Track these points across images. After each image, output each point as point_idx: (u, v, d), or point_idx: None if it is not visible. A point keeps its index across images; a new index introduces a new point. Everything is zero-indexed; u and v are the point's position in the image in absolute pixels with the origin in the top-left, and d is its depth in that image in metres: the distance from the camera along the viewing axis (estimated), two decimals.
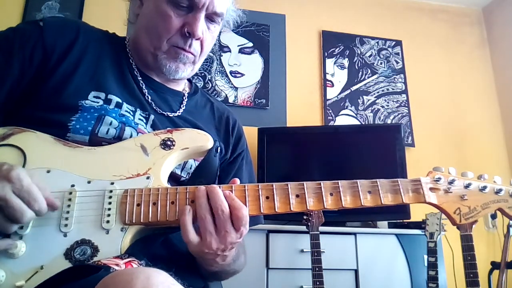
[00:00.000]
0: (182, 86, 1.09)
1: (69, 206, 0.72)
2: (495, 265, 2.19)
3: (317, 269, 1.85)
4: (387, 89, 3.07)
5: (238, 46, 2.93)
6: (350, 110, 2.96)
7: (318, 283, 1.82)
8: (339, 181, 0.78)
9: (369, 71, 3.09)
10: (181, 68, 0.97)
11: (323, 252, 1.90)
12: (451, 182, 0.80)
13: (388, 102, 3.04)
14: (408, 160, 2.39)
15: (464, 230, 1.83)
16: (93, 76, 0.90)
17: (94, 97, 0.87)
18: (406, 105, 3.05)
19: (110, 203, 0.73)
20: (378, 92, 3.05)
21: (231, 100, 2.79)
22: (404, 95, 3.07)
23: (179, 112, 1.00)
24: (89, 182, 0.75)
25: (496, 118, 3.21)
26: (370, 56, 3.13)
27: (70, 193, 0.73)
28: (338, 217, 2.22)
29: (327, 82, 3.00)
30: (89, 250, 0.69)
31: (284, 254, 2.03)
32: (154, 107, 0.96)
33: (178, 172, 0.91)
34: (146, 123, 0.92)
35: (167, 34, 0.93)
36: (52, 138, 0.79)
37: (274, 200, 0.76)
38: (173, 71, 0.97)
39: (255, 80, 2.88)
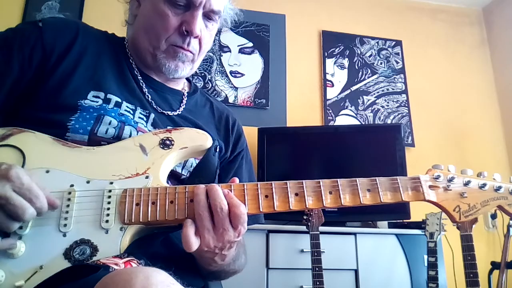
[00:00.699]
0: (181, 86, 1.09)
1: (68, 206, 0.72)
2: (495, 265, 2.19)
3: (317, 269, 1.85)
4: (387, 89, 3.07)
5: (238, 46, 2.93)
6: (350, 110, 2.96)
7: (318, 283, 1.82)
8: (338, 179, 0.78)
9: (369, 71, 3.09)
10: (180, 67, 0.97)
11: (323, 252, 1.90)
12: (450, 180, 0.80)
13: (388, 102, 3.04)
14: (408, 160, 2.39)
15: (464, 230, 1.83)
16: (92, 76, 0.90)
17: (93, 96, 0.87)
18: (406, 105, 3.05)
19: (109, 202, 0.73)
20: (378, 92, 3.05)
21: (231, 100, 2.79)
22: (404, 95, 3.07)
23: (179, 111, 1.01)
24: (88, 182, 0.75)
25: (496, 118, 3.21)
26: (370, 56, 3.13)
27: (69, 193, 0.73)
28: (338, 217, 2.22)
29: (327, 82, 3.00)
30: (89, 250, 0.69)
31: (284, 254, 2.03)
32: (154, 106, 0.97)
33: (178, 170, 0.92)
34: (146, 122, 0.92)
35: (165, 33, 0.94)
36: (51, 138, 0.79)
37: (273, 199, 0.76)
38: (172, 70, 0.97)
39: (255, 80, 2.88)
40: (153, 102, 0.97)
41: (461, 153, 3.02)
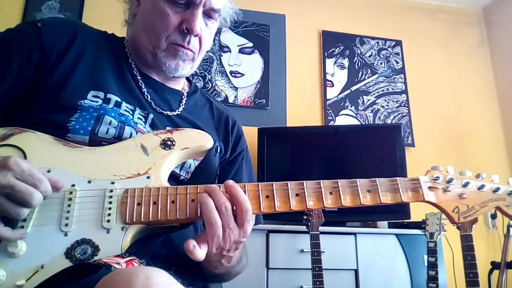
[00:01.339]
0: (181, 85, 1.09)
1: (69, 205, 0.72)
2: (495, 265, 2.19)
3: (317, 269, 1.85)
4: (387, 89, 3.07)
5: (238, 46, 2.93)
6: (350, 110, 2.96)
7: (318, 283, 1.82)
8: (338, 180, 0.78)
9: (369, 71, 3.09)
10: (181, 65, 0.97)
11: (323, 252, 1.90)
12: (449, 181, 0.81)
13: (388, 102, 3.04)
14: (408, 160, 2.39)
15: (464, 230, 1.83)
16: (91, 76, 0.90)
17: (93, 96, 0.87)
18: (406, 105, 3.05)
19: (110, 202, 0.73)
20: (378, 92, 3.05)
21: (231, 100, 2.79)
22: (404, 95, 3.07)
23: (178, 111, 1.01)
24: (89, 182, 0.75)
25: (496, 118, 3.21)
26: (370, 56, 3.13)
27: (71, 192, 0.73)
28: (338, 217, 2.22)
29: (327, 82, 3.00)
30: (90, 250, 0.69)
31: (284, 254, 2.03)
32: (153, 106, 0.96)
33: (177, 171, 0.92)
34: (145, 122, 0.92)
35: (166, 31, 0.94)
36: (52, 138, 0.79)
37: (274, 199, 0.76)
38: (172, 69, 0.97)
39: (255, 80, 2.88)
40: (152, 102, 0.97)
41: (461, 153, 3.02)
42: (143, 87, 0.98)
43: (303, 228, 1.98)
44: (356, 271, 2.07)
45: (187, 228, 0.79)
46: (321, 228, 1.95)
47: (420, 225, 2.05)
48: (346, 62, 3.08)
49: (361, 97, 3.02)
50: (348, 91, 3.01)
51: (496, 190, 0.81)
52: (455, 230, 1.88)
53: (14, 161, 0.66)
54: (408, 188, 0.80)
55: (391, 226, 2.37)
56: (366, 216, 2.39)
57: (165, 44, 0.95)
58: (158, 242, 0.76)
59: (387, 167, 2.41)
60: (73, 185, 0.74)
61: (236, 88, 2.84)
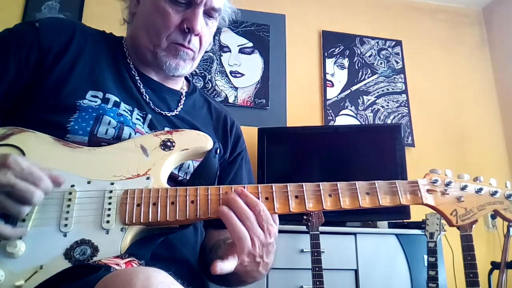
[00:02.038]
0: (180, 85, 1.09)
1: (68, 206, 0.72)
2: (495, 265, 2.19)
3: (317, 269, 1.85)
4: (387, 89, 3.07)
5: (238, 46, 2.93)
6: (350, 110, 2.96)
7: (318, 283, 1.82)
8: (337, 182, 0.79)
9: (369, 71, 3.09)
10: (181, 65, 0.97)
11: (323, 252, 1.90)
12: (447, 184, 0.82)
13: (388, 102, 3.04)
14: (408, 160, 2.39)
15: (464, 230, 1.83)
16: (90, 76, 0.90)
17: (92, 96, 0.87)
18: (406, 105, 3.05)
19: (110, 203, 0.73)
20: (378, 92, 3.05)
21: (231, 100, 2.79)
22: (404, 95, 3.07)
23: (176, 111, 1.00)
24: (89, 183, 0.75)
25: (496, 118, 3.21)
26: (370, 56, 3.13)
27: (70, 193, 0.73)
28: (338, 217, 2.22)
29: (327, 82, 3.00)
30: (89, 250, 0.69)
31: (284, 254, 2.03)
32: (152, 106, 0.96)
33: (175, 171, 0.91)
34: (143, 123, 0.92)
35: (166, 30, 0.94)
36: (52, 138, 0.79)
37: (273, 201, 0.77)
38: (173, 68, 0.97)
39: (255, 80, 2.88)
40: (150, 102, 0.97)
41: (461, 153, 3.02)
42: (141, 87, 0.97)
43: (303, 228, 1.98)
44: (356, 271, 2.07)
45: (186, 229, 0.79)
46: (321, 228, 1.95)
47: (420, 225, 2.05)
48: (346, 62, 3.08)
49: (361, 97, 3.01)
50: (348, 91, 3.01)
51: (494, 193, 0.81)
52: (455, 230, 1.88)
53: (14, 159, 0.66)
54: (407, 191, 0.80)
55: (391, 226, 2.37)
56: (366, 216, 2.39)
57: (165, 43, 0.95)
58: (158, 243, 0.76)
59: (387, 167, 2.41)
60: (72, 186, 0.74)
61: (236, 88, 2.84)
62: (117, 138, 0.85)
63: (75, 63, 0.89)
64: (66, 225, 0.70)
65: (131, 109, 0.92)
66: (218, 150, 0.94)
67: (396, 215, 2.34)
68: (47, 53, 0.87)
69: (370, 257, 2.10)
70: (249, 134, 2.44)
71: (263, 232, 0.74)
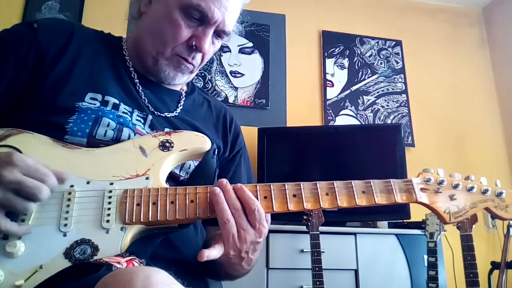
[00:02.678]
0: (179, 86, 1.08)
1: (68, 206, 0.72)
2: (495, 265, 2.19)
3: (317, 269, 1.85)
4: (387, 89, 3.07)
5: (238, 46, 2.93)
6: (350, 110, 2.96)
7: (318, 283, 1.82)
8: (334, 181, 0.80)
9: (369, 71, 3.09)
10: (179, 76, 0.98)
11: (323, 252, 1.90)
12: (440, 183, 0.83)
13: (388, 102, 3.04)
14: (408, 160, 2.39)
15: (464, 230, 1.83)
16: (89, 77, 0.89)
17: (90, 98, 0.87)
18: (406, 105, 3.05)
19: (109, 203, 0.73)
20: (378, 92, 3.05)
21: (231, 100, 2.79)
22: (404, 95, 3.07)
23: (176, 112, 1.00)
24: (88, 183, 0.75)
25: (496, 118, 3.21)
26: (370, 56, 3.13)
27: (69, 193, 0.73)
28: (338, 217, 2.22)
29: (327, 82, 3.00)
30: (89, 250, 0.69)
31: (284, 254, 2.03)
32: (151, 108, 0.96)
33: (177, 171, 0.92)
34: (144, 124, 0.92)
35: (174, 42, 0.93)
36: (50, 139, 0.79)
37: (272, 200, 0.78)
38: (170, 78, 0.98)
39: (255, 80, 2.88)
40: (150, 104, 0.96)
41: (461, 153, 3.02)
42: (141, 89, 0.97)
43: (303, 228, 1.98)
44: (356, 271, 2.07)
45: (186, 228, 0.79)
46: (321, 228, 1.95)
47: (420, 225, 2.05)
48: (346, 62, 3.08)
49: (361, 97, 3.02)
50: (348, 91, 3.01)
51: (485, 191, 0.84)
52: (455, 230, 1.88)
53: (18, 156, 0.67)
54: (402, 189, 0.82)
55: (391, 226, 2.37)
56: (366, 216, 2.39)
57: (169, 53, 0.94)
58: (157, 243, 0.76)
59: (387, 167, 2.41)
60: (72, 186, 0.74)
61: (236, 88, 2.84)
62: (116, 140, 0.85)
63: (74, 64, 0.89)
64: (66, 224, 0.70)
65: (131, 110, 0.92)
66: (216, 150, 0.94)
67: (396, 215, 2.34)
68: (45, 54, 0.87)
69: (370, 257, 2.10)
70: (249, 134, 2.44)
71: (254, 230, 0.76)
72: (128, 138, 0.86)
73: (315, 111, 2.94)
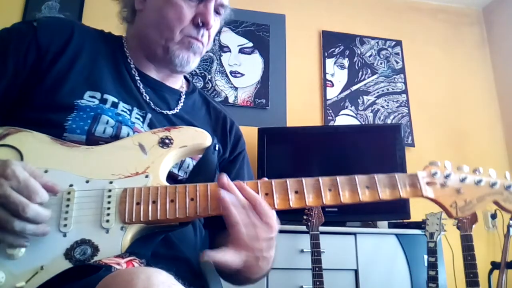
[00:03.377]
0: (179, 84, 1.09)
1: (68, 206, 0.72)
2: (495, 265, 2.19)
3: (317, 269, 1.85)
4: (387, 89, 3.07)
5: (238, 46, 2.93)
6: (350, 110, 2.96)
7: (318, 283, 1.82)
8: (337, 176, 0.79)
9: (369, 71, 3.09)
10: (192, 58, 0.99)
11: (323, 252, 1.90)
12: (447, 176, 0.81)
13: (388, 102, 3.04)
14: (408, 160, 2.39)
15: (464, 230, 1.83)
16: (88, 76, 0.89)
17: (89, 97, 0.87)
18: (406, 105, 3.05)
19: (109, 202, 0.73)
20: (378, 92, 3.05)
21: (231, 100, 2.79)
22: (404, 95, 3.07)
23: (176, 110, 1.00)
24: (87, 182, 0.74)
25: (496, 118, 3.21)
26: (370, 56, 3.13)
27: (69, 192, 0.73)
28: (338, 217, 2.22)
29: (327, 82, 3.00)
30: (89, 250, 0.68)
31: (284, 254, 2.03)
32: (152, 106, 0.96)
33: (175, 171, 0.91)
34: (143, 122, 0.92)
35: (180, 24, 0.95)
36: (49, 138, 0.78)
37: (273, 197, 0.76)
38: (185, 62, 0.98)
39: (255, 80, 2.88)
40: (151, 102, 0.96)
41: (461, 153, 3.02)
42: (142, 87, 0.97)
43: (303, 228, 1.98)
44: (356, 271, 2.07)
45: (186, 227, 0.79)
46: (321, 228, 1.95)
47: (420, 225, 2.05)
48: (346, 62, 3.08)
49: (361, 97, 3.01)
50: (348, 91, 3.01)
51: (493, 184, 0.81)
52: (455, 230, 1.88)
53: (12, 170, 0.66)
54: (407, 184, 0.80)
55: (391, 226, 2.37)
56: (366, 216, 2.39)
57: (179, 36, 0.96)
58: (158, 241, 0.76)
59: (387, 167, 2.40)
60: (71, 185, 0.74)
61: (236, 88, 2.84)
62: (115, 137, 0.84)
63: (73, 63, 0.89)
64: (65, 225, 0.70)
65: (130, 108, 0.92)
66: (217, 146, 0.94)
67: (396, 215, 2.34)
68: (45, 52, 0.87)
69: (370, 257, 2.10)
70: (249, 134, 2.44)
71: (262, 224, 0.74)
72: (127, 136, 0.86)
73: (315, 111, 2.93)
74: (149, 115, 0.94)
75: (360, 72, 3.08)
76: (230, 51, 2.91)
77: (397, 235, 2.15)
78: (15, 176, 0.66)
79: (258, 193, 0.76)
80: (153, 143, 0.81)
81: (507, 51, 3.23)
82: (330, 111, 2.93)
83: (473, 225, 1.83)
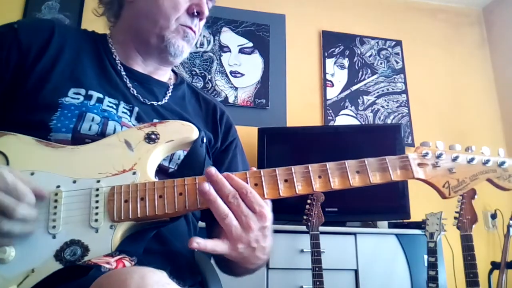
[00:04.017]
0: (167, 77, 1.09)
1: (55, 207, 0.71)
2: (495, 265, 2.19)
3: (317, 269, 1.85)
4: (387, 89, 3.07)
5: (238, 46, 2.93)
6: (350, 110, 2.96)
7: (318, 283, 1.82)
8: (326, 163, 0.78)
9: (369, 71, 3.09)
10: (185, 48, 1.00)
11: (323, 252, 1.89)
12: (438, 156, 0.80)
13: (388, 102, 3.03)
14: None
15: (464, 230, 1.83)
16: (72, 73, 0.89)
17: (74, 93, 0.86)
18: (406, 105, 3.05)
19: (97, 201, 0.72)
20: (378, 92, 3.05)
21: (231, 100, 2.79)
22: (404, 95, 3.07)
23: (164, 101, 1.00)
24: (74, 182, 0.74)
25: (496, 118, 3.20)
26: (370, 56, 3.13)
27: (56, 194, 0.72)
28: (338, 217, 2.22)
29: (327, 82, 3.00)
30: (79, 250, 0.68)
31: (284, 254, 2.03)
32: (141, 99, 0.96)
33: (166, 164, 0.91)
34: (130, 116, 0.91)
35: (176, 12, 0.96)
36: (34, 139, 0.78)
37: (263, 187, 0.75)
38: (179, 51, 0.99)
39: (255, 80, 2.88)
40: (139, 95, 0.96)
41: None
42: (128, 82, 0.97)
43: (303, 228, 1.98)
44: (356, 271, 2.07)
45: (177, 221, 0.78)
46: (321, 228, 1.95)
47: (420, 225, 2.05)
48: (346, 62, 3.08)
49: (361, 97, 3.01)
50: (348, 91, 3.01)
51: (486, 162, 0.79)
52: (455, 230, 1.88)
53: (0, 173, 0.66)
54: (397, 166, 0.79)
55: (391, 226, 2.36)
56: (366, 216, 2.39)
57: (174, 25, 0.97)
58: (149, 238, 0.75)
59: None
60: (58, 186, 0.73)
61: (236, 88, 2.84)
62: (101, 134, 0.84)
63: (56, 62, 0.89)
64: (54, 226, 0.69)
65: (117, 102, 0.91)
66: (205, 139, 0.93)
67: (396, 215, 2.33)
68: (26, 53, 0.87)
69: (370, 257, 2.10)
70: (249, 134, 2.44)
71: (255, 214, 0.72)
72: (114, 131, 0.85)
73: (315, 111, 2.93)
74: (136, 109, 0.93)
75: (360, 72, 3.07)
76: (230, 51, 2.91)
77: (397, 235, 2.15)
78: (3, 178, 0.65)
79: (247, 183, 0.74)
80: (139, 139, 0.80)
81: (507, 51, 3.22)
82: (330, 111, 2.92)
83: (473, 225, 1.83)
